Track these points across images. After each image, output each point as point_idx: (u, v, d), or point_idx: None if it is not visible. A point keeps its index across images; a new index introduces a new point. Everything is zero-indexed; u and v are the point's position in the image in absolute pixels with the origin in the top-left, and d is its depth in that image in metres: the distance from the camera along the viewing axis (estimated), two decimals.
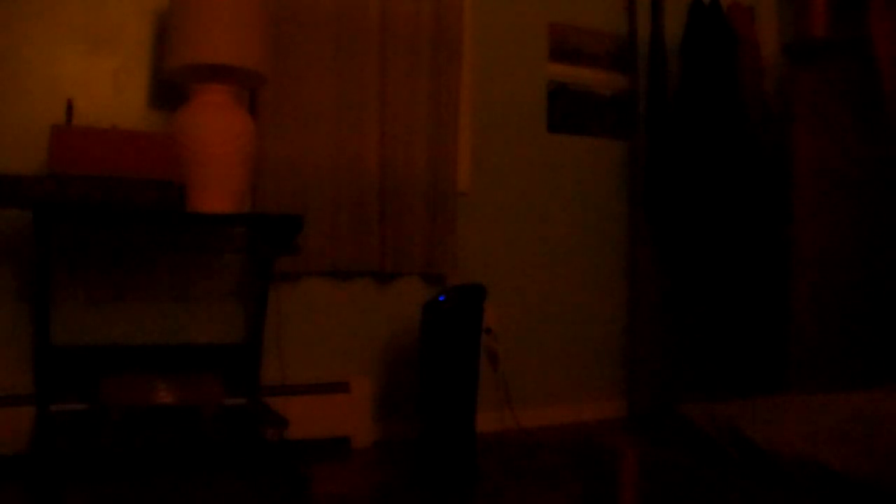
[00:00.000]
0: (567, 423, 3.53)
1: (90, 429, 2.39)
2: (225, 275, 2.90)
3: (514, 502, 2.40)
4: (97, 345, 2.68)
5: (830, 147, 3.13)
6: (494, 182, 3.42)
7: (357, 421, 2.96)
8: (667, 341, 3.72)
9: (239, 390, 2.79)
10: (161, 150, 2.40)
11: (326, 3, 2.99)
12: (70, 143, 2.29)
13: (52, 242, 2.61)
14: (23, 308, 2.61)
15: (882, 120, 2.98)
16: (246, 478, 2.54)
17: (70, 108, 2.42)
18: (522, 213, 3.49)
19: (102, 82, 2.73)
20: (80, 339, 2.67)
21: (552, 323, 3.55)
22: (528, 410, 3.45)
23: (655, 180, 3.62)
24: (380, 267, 3.10)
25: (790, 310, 3.21)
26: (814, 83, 3.18)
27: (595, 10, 3.66)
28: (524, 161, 3.49)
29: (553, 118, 3.56)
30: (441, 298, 2.61)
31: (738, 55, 3.68)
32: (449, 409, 2.61)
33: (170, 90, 2.77)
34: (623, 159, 3.73)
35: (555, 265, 3.56)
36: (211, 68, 2.55)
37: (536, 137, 3.52)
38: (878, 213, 3.01)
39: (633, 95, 3.71)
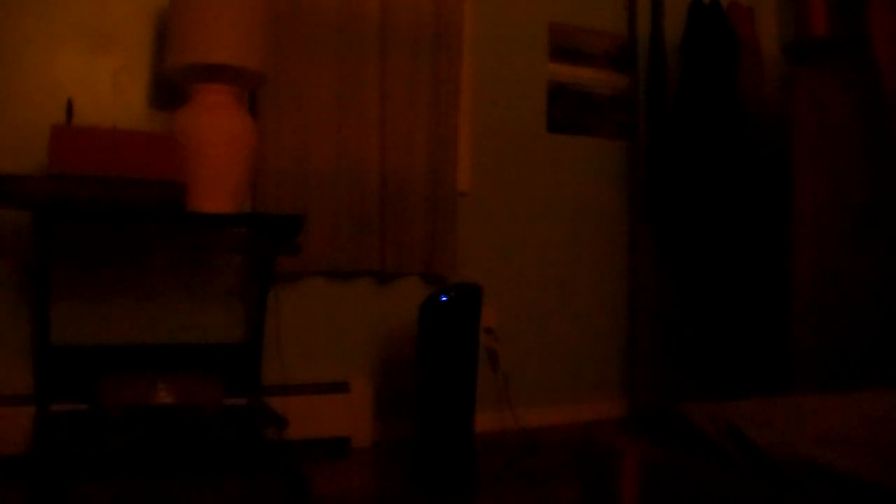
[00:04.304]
0: (567, 423, 3.53)
1: (90, 429, 2.39)
2: (225, 275, 2.90)
3: (513, 502, 2.40)
4: (97, 345, 2.68)
5: (830, 147, 3.12)
6: (494, 182, 3.42)
7: (357, 421, 2.96)
8: (667, 341, 3.71)
9: (239, 390, 2.78)
10: (161, 150, 2.40)
11: (327, 4, 2.99)
12: (70, 143, 2.29)
13: (52, 242, 2.60)
14: (23, 308, 2.61)
15: (882, 119, 2.98)
16: (246, 478, 2.54)
17: (70, 108, 2.42)
18: (522, 213, 3.49)
19: (102, 82, 2.73)
20: (79, 339, 2.67)
21: (552, 323, 3.55)
22: (528, 410, 3.45)
23: (655, 180, 3.62)
24: (380, 267, 3.10)
25: (791, 309, 3.21)
26: (814, 83, 3.17)
27: (595, 10, 3.66)
28: (524, 161, 3.49)
29: (553, 118, 3.56)
30: (443, 298, 2.61)
31: (737, 55, 3.67)
32: (447, 409, 2.60)
33: (170, 90, 2.77)
34: (623, 159, 3.73)
35: (555, 265, 3.56)
36: (211, 68, 2.55)
37: (536, 137, 3.52)
38: (879, 212, 3.01)
39: (633, 95, 3.71)
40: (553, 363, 3.55)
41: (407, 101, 3.13)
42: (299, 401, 2.84)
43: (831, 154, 3.12)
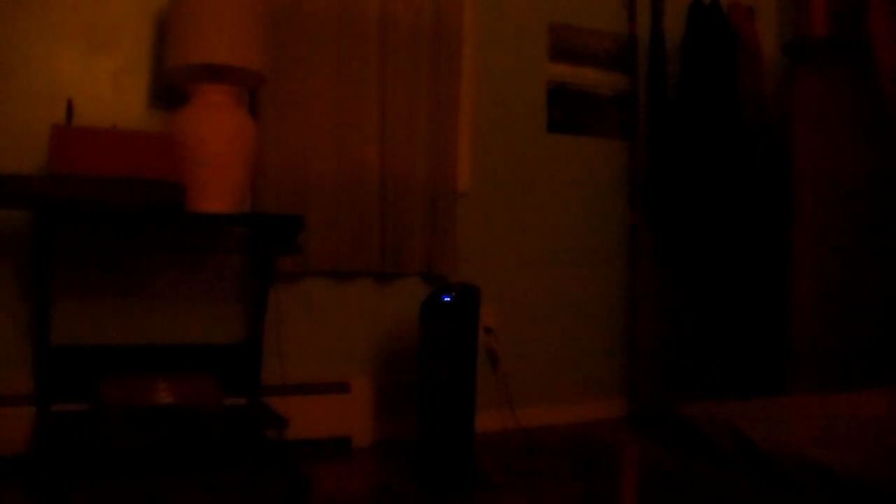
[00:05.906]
0: (567, 423, 3.53)
1: (90, 429, 2.39)
2: (225, 275, 2.90)
3: (513, 502, 2.40)
4: (97, 345, 2.68)
5: (830, 147, 3.13)
6: (494, 182, 3.42)
7: (357, 421, 2.96)
8: (667, 341, 3.71)
9: (239, 390, 2.78)
10: (161, 150, 2.40)
11: (326, 4, 2.99)
12: (70, 143, 2.29)
13: (52, 242, 2.61)
14: (23, 308, 2.61)
15: (881, 119, 2.98)
16: (246, 478, 2.54)
17: (70, 108, 2.42)
18: (522, 213, 3.49)
19: (102, 82, 2.73)
20: (79, 340, 2.67)
21: (552, 323, 3.55)
22: (528, 410, 3.45)
23: (655, 180, 3.62)
24: (380, 267, 3.10)
25: (790, 310, 3.21)
26: (814, 83, 3.18)
27: (595, 10, 3.66)
28: (524, 161, 3.49)
29: (553, 118, 3.56)
30: (444, 298, 2.61)
31: (738, 55, 3.67)
32: (447, 409, 2.61)
33: (170, 90, 2.77)
34: (623, 159, 3.73)
35: (554, 265, 3.56)
36: (211, 68, 2.55)
37: (536, 137, 3.52)
38: (878, 212, 3.01)
39: (633, 95, 3.71)
40: (553, 363, 3.55)
41: (407, 101, 3.13)
42: (299, 401, 2.84)
43: (831, 154, 3.12)
